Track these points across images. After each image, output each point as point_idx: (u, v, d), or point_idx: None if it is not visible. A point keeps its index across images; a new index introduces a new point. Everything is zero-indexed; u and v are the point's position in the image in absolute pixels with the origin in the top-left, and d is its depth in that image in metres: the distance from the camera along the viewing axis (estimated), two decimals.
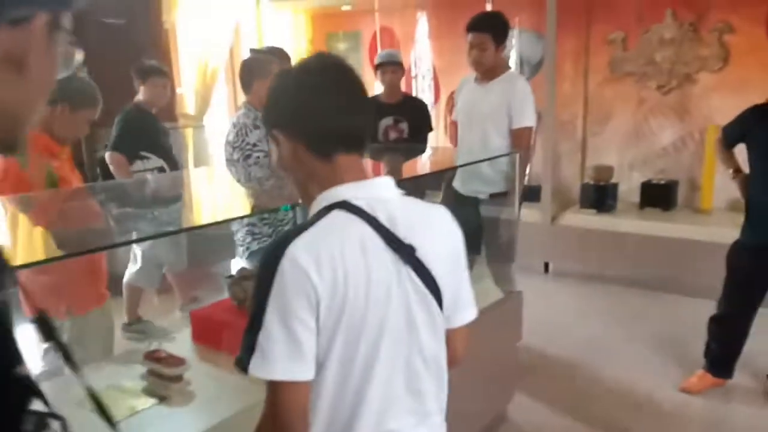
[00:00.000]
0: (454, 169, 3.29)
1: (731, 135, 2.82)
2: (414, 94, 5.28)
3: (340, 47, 6.10)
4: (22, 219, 1.80)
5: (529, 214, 4.67)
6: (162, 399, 1.59)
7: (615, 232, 4.35)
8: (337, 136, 1.06)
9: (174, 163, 3.78)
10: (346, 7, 5.74)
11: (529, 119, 2.95)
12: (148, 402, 1.56)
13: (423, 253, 1.05)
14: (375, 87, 3.96)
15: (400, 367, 1.06)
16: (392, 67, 3.65)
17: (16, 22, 0.53)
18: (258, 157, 2.76)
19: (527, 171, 3.18)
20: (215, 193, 2.76)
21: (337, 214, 1.02)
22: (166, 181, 3.23)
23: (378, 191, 1.07)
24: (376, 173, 1.32)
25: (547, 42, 4.41)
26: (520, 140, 2.96)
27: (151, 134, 3.70)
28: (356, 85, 1.08)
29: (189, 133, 5.28)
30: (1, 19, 0.51)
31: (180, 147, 5.10)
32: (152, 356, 1.66)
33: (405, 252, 1.03)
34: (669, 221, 4.26)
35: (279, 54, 3.37)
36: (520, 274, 4.67)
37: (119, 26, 4.78)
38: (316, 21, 6.15)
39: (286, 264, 0.96)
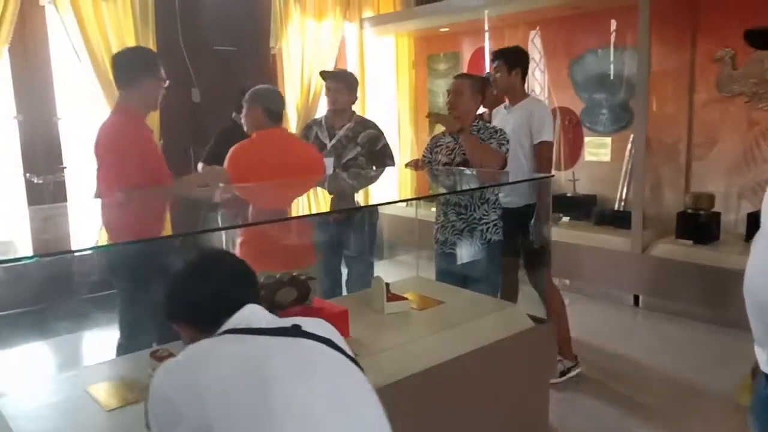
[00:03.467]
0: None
1: None
2: None
3: (441, 68, 6.18)
4: None
5: (618, 242, 4.43)
6: None
7: (714, 266, 3.96)
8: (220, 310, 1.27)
9: None
10: (444, 30, 5.81)
11: (546, 135, 3.24)
12: (136, 397, 1.71)
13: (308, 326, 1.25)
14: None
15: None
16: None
17: None
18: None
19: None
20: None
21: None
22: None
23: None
24: None
25: (640, 59, 4.16)
26: (541, 154, 3.25)
27: None
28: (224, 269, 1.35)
29: None
30: None
31: None
32: (155, 355, 1.85)
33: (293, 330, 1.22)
34: None
35: (345, 77, 3.54)
36: (607, 305, 4.49)
37: (230, 53, 5.25)
38: (418, 43, 6.29)
39: None
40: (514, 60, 3.31)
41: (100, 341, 3.96)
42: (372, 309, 2.48)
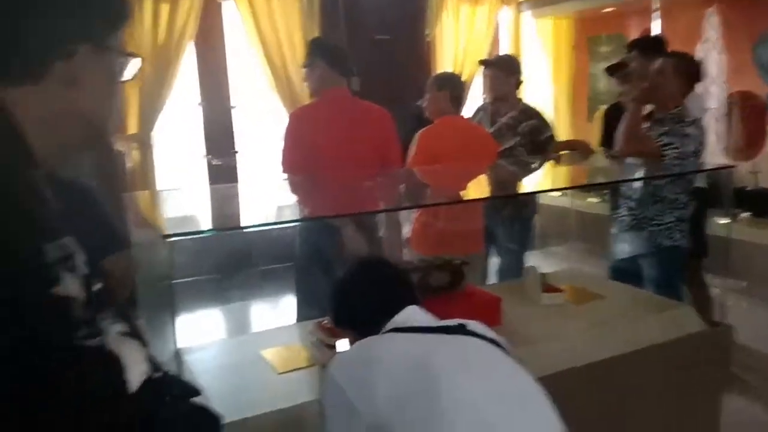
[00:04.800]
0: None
1: None
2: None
3: (602, 50, 5.84)
4: None
5: None
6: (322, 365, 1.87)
7: None
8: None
9: None
10: (607, 10, 5.47)
11: None
12: (305, 363, 1.84)
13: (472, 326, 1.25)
14: None
15: None
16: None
17: (67, 56, 0.73)
18: None
19: None
20: None
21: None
22: None
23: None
24: None
25: None
26: None
27: None
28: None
29: None
30: (54, 56, 0.71)
31: None
32: (321, 325, 1.96)
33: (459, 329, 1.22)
34: None
35: (501, 62, 3.47)
36: (762, 306, 3.98)
37: (387, 41, 5.37)
38: (578, 25, 5.99)
39: None
40: (652, 48, 3.19)
41: (271, 309, 4.32)
42: (524, 299, 2.42)
